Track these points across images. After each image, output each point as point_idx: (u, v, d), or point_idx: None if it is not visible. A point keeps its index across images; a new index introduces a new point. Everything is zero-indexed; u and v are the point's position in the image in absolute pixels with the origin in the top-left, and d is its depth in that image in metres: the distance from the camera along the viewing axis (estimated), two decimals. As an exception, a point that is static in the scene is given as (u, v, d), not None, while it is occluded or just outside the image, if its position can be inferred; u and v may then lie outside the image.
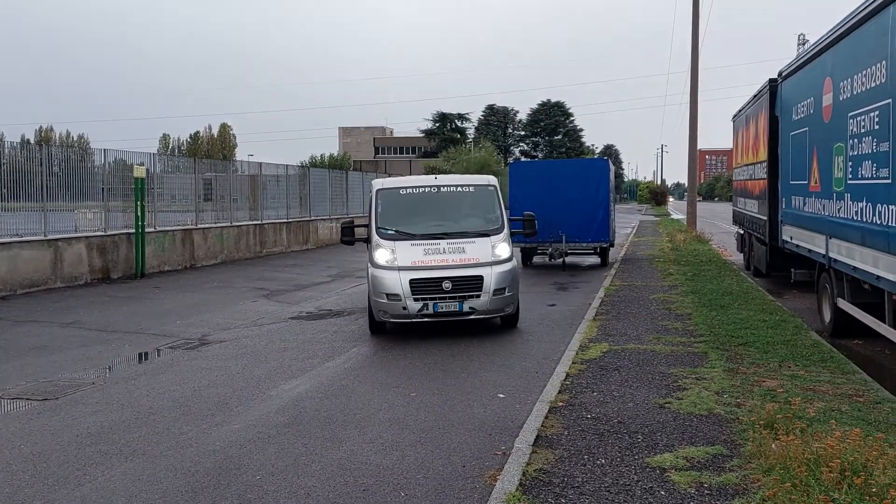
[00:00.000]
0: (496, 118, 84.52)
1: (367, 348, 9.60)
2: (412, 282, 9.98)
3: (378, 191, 11.29)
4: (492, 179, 11.67)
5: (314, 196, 27.94)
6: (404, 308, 9.97)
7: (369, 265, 10.68)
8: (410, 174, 50.95)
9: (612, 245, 20.38)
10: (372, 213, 11.06)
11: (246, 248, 22.78)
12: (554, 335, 10.21)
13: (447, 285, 9.96)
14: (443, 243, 10.34)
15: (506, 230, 10.82)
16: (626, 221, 46.65)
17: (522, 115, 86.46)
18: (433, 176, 12.09)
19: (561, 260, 18.67)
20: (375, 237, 10.64)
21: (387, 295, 10.06)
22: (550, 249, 18.51)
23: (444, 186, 11.19)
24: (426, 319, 10.10)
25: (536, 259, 20.32)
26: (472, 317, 10.17)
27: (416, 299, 9.95)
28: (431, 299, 9.95)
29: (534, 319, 11.46)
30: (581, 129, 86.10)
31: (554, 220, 18.07)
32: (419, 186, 11.25)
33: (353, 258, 22.23)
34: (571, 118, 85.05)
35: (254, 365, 8.75)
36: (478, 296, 10.04)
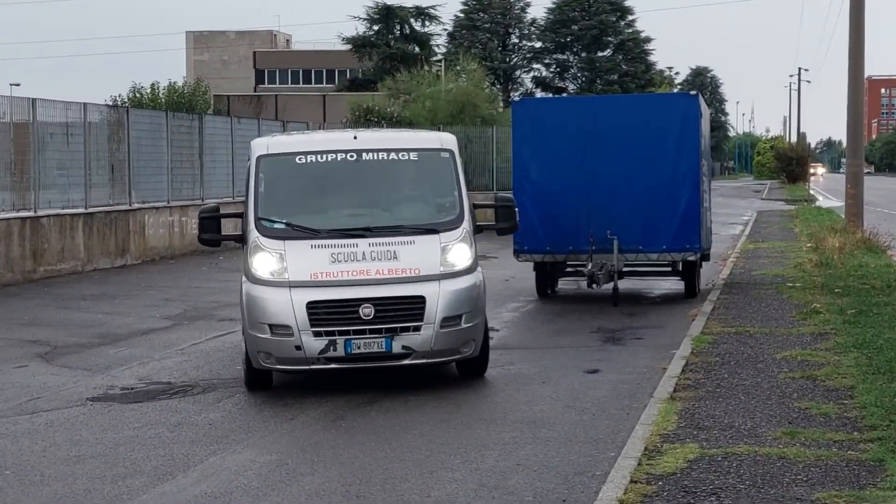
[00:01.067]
0: (488, 17, 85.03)
1: (241, 455, 9.56)
2: (311, 305, 10.92)
3: (260, 157, 11.92)
4: (446, 139, 12.39)
5: (139, 164, 27.81)
6: (298, 348, 10.91)
7: (244, 279, 11.45)
8: (324, 124, 50.81)
9: (706, 257, 20.49)
10: (250, 195, 11.72)
11: (6, 264, 22.63)
12: (596, 428, 10.28)
13: (367, 311, 10.89)
14: (363, 244, 11.24)
15: (466, 222, 11.63)
16: (733, 212, 46.98)
17: (538, 12, 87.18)
18: (351, 133, 12.72)
19: (611, 285, 18.81)
20: (255, 234, 11.40)
21: (270, 327, 10.94)
22: (591, 266, 18.47)
23: (368, 151, 11.99)
24: (333, 366, 10.99)
25: (565, 284, 20.48)
26: (408, 362, 11.09)
27: (317, 334, 10.88)
28: (342, 334, 10.91)
29: (559, 398, 11.53)
30: (648, 39, 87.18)
31: (596, 209, 18.21)
32: (327, 151, 12.03)
33: (214, 282, 22.12)
34: (630, 18, 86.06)
35: (18, 489, 8.68)
36: (416, 329, 11.01)
